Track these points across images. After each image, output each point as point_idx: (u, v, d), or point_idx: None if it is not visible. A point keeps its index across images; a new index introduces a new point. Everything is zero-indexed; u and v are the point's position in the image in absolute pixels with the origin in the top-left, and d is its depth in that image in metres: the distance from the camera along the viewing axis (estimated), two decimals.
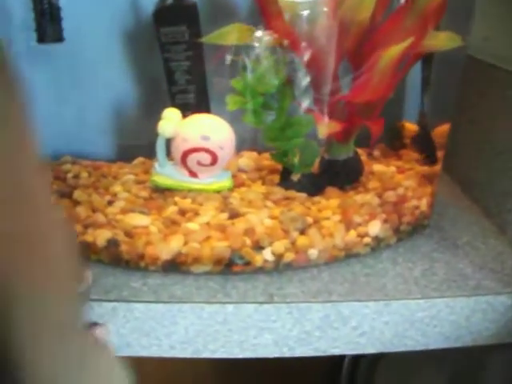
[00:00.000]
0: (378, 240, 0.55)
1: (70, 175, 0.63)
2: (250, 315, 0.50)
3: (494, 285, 0.54)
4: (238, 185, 0.61)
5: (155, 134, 0.57)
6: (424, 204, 0.59)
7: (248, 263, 0.51)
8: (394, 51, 0.49)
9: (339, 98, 0.54)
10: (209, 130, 0.56)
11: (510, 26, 0.65)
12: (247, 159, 0.66)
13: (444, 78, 0.61)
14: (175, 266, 0.52)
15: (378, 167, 0.64)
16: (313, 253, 0.52)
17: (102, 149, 0.70)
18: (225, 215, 0.54)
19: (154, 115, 0.66)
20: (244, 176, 0.63)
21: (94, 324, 0.49)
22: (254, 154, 0.68)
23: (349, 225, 0.53)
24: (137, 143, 0.71)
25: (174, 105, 0.63)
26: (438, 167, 0.60)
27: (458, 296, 0.52)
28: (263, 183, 0.62)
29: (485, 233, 0.62)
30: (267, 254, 0.51)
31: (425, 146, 0.64)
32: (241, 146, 0.70)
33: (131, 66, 0.68)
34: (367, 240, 0.54)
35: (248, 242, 0.51)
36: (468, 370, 0.71)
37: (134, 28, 0.67)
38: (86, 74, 0.67)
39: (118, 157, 0.70)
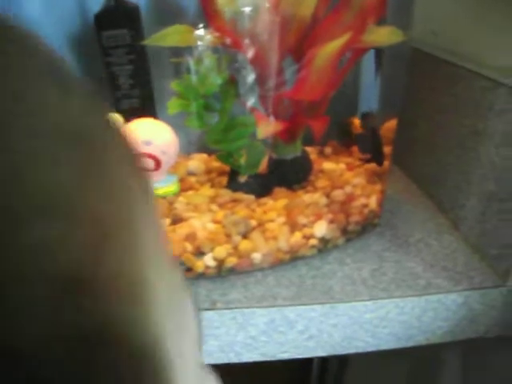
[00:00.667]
0: (324, 241, 0.54)
1: None
2: None
3: (445, 283, 0.52)
4: (185, 188, 0.59)
5: None
6: (373, 202, 0.57)
7: (189, 269, 0.50)
8: (330, 48, 0.47)
9: (280, 96, 0.52)
10: (150, 135, 0.55)
11: (458, 20, 0.63)
12: (197, 162, 0.64)
13: (391, 73, 0.59)
14: None
15: (327, 165, 0.62)
16: (256, 257, 0.50)
17: None
18: (167, 221, 0.53)
19: None
20: (193, 179, 0.62)
21: None
22: (204, 156, 0.66)
23: (294, 226, 0.52)
24: None
25: (119, 110, 0.61)
26: (386, 164, 0.59)
27: (407, 296, 0.51)
28: (212, 186, 0.60)
29: (439, 229, 0.61)
30: (208, 260, 0.50)
31: (369, 146, 0.62)
32: (191, 149, 0.69)
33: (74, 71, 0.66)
34: (313, 242, 0.53)
35: (189, 247, 0.50)
36: (427, 363, 0.71)
37: (78, 32, 0.65)
38: None
39: None
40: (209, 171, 0.63)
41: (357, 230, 0.57)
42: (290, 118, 0.53)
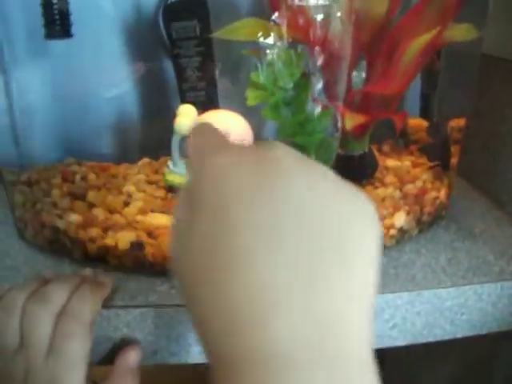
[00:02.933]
0: (402, 232, 0.54)
1: (78, 177, 0.60)
2: None
3: None
4: None
5: (158, 135, 0.56)
6: (443, 195, 0.58)
7: None
8: (420, 42, 0.47)
9: (364, 90, 0.53)
10: (228, 126, 0.55)
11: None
12: None
13: (456, 74, 0.61)
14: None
15: (391, 162, 0.63)
16: None
17: (104, 150, 0.68)
18: None
19: (157, 115, 0.64)
20: None
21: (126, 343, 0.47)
22: None
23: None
24: (140, 144, 0.69)
25: (185, 102, 0.61)
26: (454, 160, 0.60)
27: (485, 282, 0.52)
28: None
29: (498, 221, 0.62)
30: None
31: (439, 155, 0.63)
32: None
33: (134, 64, 0.66)
34: (393, 232, 0.53)
35: None
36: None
37: (136, 25, 0.64)
38: (88, 73, 0.64)
39: (121, 158, 0.68)
40: None
41: (428, 222, 0.57)
42: (366, 112, 0.54)
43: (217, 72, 0.61)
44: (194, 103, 0.60)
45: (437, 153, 0.63)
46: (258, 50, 0.54)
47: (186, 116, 0.55)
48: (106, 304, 0.46)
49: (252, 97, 0.53)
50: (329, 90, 0.54)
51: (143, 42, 0.65)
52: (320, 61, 0.53)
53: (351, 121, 0.51)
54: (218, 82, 0.63)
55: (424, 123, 0.65)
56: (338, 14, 0.52)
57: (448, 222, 0.61)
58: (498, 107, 0.65)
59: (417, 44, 0.48)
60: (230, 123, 0.55)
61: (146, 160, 0.65)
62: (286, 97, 0.54)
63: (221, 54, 0.61)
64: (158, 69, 0.65)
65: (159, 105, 0.68)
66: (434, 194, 0.57)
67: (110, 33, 0.65)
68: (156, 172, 0.62)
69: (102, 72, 0.65)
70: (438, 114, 0.66)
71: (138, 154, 0.67)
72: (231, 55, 0.60)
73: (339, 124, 0.55)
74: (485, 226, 0.61)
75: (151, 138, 0.66)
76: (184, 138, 0.55)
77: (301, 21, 0.53)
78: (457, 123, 0.62)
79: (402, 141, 0.68)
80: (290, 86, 0.54)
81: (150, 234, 0.50)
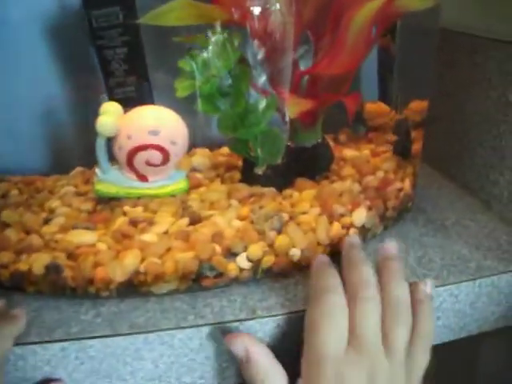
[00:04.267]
0: (364, 230, 0.46)
1: None
2: None
3: (495, 264, 0.46)
4: (194, 186, 0.50)
5: (93, 139, 0.47)
6: (407, 185, 0.50)
7: (220, 274, 0.41)
8: (366, 11, 0.39)
9: (309, 71, 0.45)
10: (157, 123, 0.46)
11: None
12: (200, 157, 0.55)
13: (414, 52, 0.53)
14: (133, 288, 0.41)
15: (349, 152, 0.55)
16: (295, 253, 0.42)
17: (33, 162, 0.58)
18: (185, 221, 0.44)
19: (90, 117, 0.55)
20: (199, 175, 0.53)
21: (48, 381, 0.39)
22: (207, 150, 0.58)
23: (331, 217, 0.44)
24: (73, 152, 0.60)
25: (113, 100, 0.52)
26: (418, 146, 0.52)
27: (461, 281, 0.44)
28: (222, 181, 0.52)
29: (471, 210, 0.54)
30: (242, 261, 0.41)
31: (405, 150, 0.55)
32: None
33: (59, 61, 0.57)
34: (353, 231, 0.45)
35: (217, 248, 0.41)
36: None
37: (60, 18, 0.55)
38: (7, 73, 0.55)
39: (53, 169, 0.58)
40: (215, 166, 0.55)
41: (393, 216, 0.49)
42: (314, 97, 0.45)
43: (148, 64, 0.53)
44: (122, 100, 0.51)
45: (399, 139, 0.55)
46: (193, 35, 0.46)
47: (109, 114, 0.46)
48: (20, 340, 0.37)
49: (181, 87, 0.45)
50: (272, 76, 0.46)
51: (69, 39, 0.56)
52: (261, 49, 0.45)
53: (296, 107, 0.43)
54: (152, 75, 0.54)
55: (384, 107, 0.57)
56: None
57: (415, 215, 0.53)
58: (461, 85, 0.57)
59: (364, 12, 0.40)
60: (161, 119, 0.46)
61: (79, 169, 0.56)
62: (222, 86, 0.46)
63: (152, 43, 0.53)
64: (88, 67, 0.56)
65: (93, 107, 0.59)
66: (397, 184, 0.49)
67: (33, 33, 0.55)
68: (87, 182, 0.53)
69: (25, 76, 0.56)
70: (397, 97, 0.58)
71: (72, 163, 0.58)
72: (165, 44, 0.51)
73: (287, 113, 0.47)
74: (456, 217, 0.53)
75: (85, 144, 0.57)
76: (110, 140, 0.46)
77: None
78: (418, 106, 0.55)
79: (364, 128, 0.60)
80: (225, 73, 0.45)
81: (70, 255, 0.41)
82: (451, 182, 0.60)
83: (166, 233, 0.43)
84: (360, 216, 0.45)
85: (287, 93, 0.43)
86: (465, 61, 0.56)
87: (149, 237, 0.42)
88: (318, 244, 0.43)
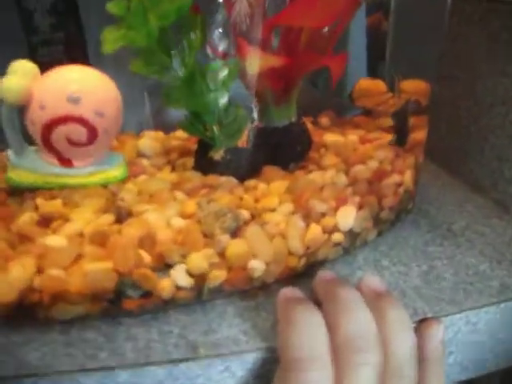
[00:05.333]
0: (352, 236, 0.33)
1: None
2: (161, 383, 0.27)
3: None
4: (136, 174, 0.38)
5: None
6: (408, 179, 0.37)
7: (148, 294, 0.28)
8: None
9: (276, 20, 0.32)
10: (78, 87, 0.33)
11: None
12: (149, 140, 0.43)
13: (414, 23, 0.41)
14: (24, 311, 0.28)
15: (331, 137, 0.42)
16: (256, 266, 0.29)
17: None
18: (109, 218, 0.31)
19: None
20: (146, 162, 0.40)
21: None
22: (160, 133, 0.45)
23: (308, 216, 0.31)
24: None
25: (37, 64, 0.39)
26: (422, 133, 0.39)
27: (481, 306, 0.32)
28: (173, 169, 0.39)
29: (483, 212, 0.42)
30: (180, 276, 0.28)
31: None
32: (139, 126, 0.47)
33: None
34: (338, 237, 0.32)
35: (146, 257, 0.28)
36: None
37: None
38: None
39: None
40: (167, 152, 0.42)
41: (390, 219, 0.37)
42: (291, 55, 0.33)
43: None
44: (48, 63, 0.38)
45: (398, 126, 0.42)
46: None
47: (18, 76, 0.33)
48: None
49: (110, 39, 0.32)
50: (234, 27, 0.34)
51: None
52: None
53: (259, 61, 0.30)
54: (88, 32, 0.41)
55: (381, 85, 0.44)
56: None
57: (416, 218, 0.40)
58: (469, 63, 0.45)
59: None
60: (83, 83, 0.33)
61: None
62: (166, 39, 0.33)
63: None
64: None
65: None
66: (395, 177, 0.36)
67: None
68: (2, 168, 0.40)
69: None
70: (392, 76, 0.46)
71: None
72: None
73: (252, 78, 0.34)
74: (466, 221, 0.41)
75: None
76: (18, 111, 0.33)
77: None
78: (420, 86, 0.42)
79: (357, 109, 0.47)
80: (170, 20, 0.33)
81: None
82: (457, 179, 0.47)
83: (79, 234, 0.30)
84: (347, 216, 0.32)
85: (250, 48, 0.31)
86: (474, 33, 0.44)
87: (54, 240, 0.29)
88: (290, 254, 0.30)
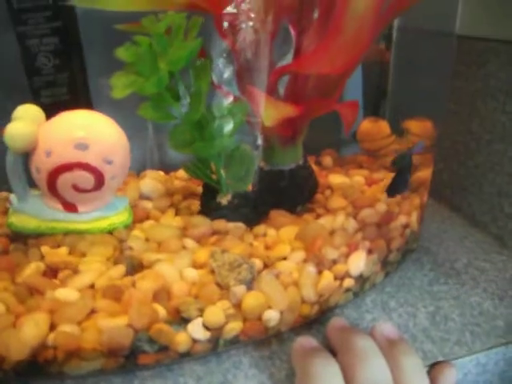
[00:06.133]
0: (361, 280, 0.33)
1: None
2: None
3: None
4: (140, 218, 0.37)
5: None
6: (414, 220, 0.37)
7: (165, 349, 0.27)
8: None
9: (288, 68, 0.31)
10: (86, 134, 0.32)
11: None
12: (151, 180, 0.42)
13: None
14: (37, 368, 0.27)
15: (336, 179, 0.42)
16: (272, 316, 0.29)
17: None
18: (120, 269, 0.30)
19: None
20: (148, 205, 0.40)
21: None
22: (161, 173, 0.44)
23: (320, 264, 0.31)
24: None
25: (40, 106, 0.38)
26: (428, 172, 0.39)
27: (489, 348, 0.32)
28: (177, 212, 0.39)
29: (483, 248, 0.42)
30: (197, 330, 0.27)
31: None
32: (139, 166, 0.47)
33: None
34: (349, 283, 0.32)
35: (161, 311, 0.28)
36: None
37: None
38: None
39: None
40: (170, 193, 0.41)
41: (397, 260, 0.37)
42: (302, 102, 0.33)
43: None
44: (51, 106, 0.38)
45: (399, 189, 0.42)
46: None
47: (24, 121, 0.32)
48: None
49: (120, 85, 0.32)
50: (242, 73, 0.33)
51: None
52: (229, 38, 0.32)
53: (274, 112, 0.30)
54: (91, 74, 0.41)
55: (385, 127, 0.44)
56: None
57: (419, 256, 0.40)
58: (467, 99, 0.46)
59: None
60: (91, 129, 0.33)
61: (3, 194, 0.42)
62: (175, 85, 0.33)
63: (93, 32, 0.39)
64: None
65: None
66: (402, 219, 0.36)
67: None
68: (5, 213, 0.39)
69: None
70: (396, 116, 0.46)
71: None
72: (107, 33, 0.38)
73: (260, 122, 0.34)
74: (468, 257, 0.41)
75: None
76: (23, 157, 0.33)
77: None
78: (424, 127, 0.42)
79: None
80: (180, 66, 0.32)
81: None
82: (456, 214, 0.47)
83: (91, 287, 0.29)
84: (358, 262, 0.32)
85: (261, 95, 0.31)
86: (473, 70, 0.45)
87: (65, 293, 0.28)
88: (303, 302, 0.30)
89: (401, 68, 0.45)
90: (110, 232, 0.35)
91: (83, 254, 0.33)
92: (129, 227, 0.36)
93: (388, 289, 0.36)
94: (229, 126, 0.33)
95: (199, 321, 0.27)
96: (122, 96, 0.32)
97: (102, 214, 0.35)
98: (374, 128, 0.42)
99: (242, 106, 0.34)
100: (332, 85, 0.33)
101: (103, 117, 0.34)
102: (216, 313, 0.27)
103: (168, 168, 0.45)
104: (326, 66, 0.31)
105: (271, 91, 0.33)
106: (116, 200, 0.36)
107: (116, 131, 0.34)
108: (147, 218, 0.38)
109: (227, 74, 0.34)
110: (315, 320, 0.31)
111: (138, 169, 0.45)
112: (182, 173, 0.45)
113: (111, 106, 0.35)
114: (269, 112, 0.29)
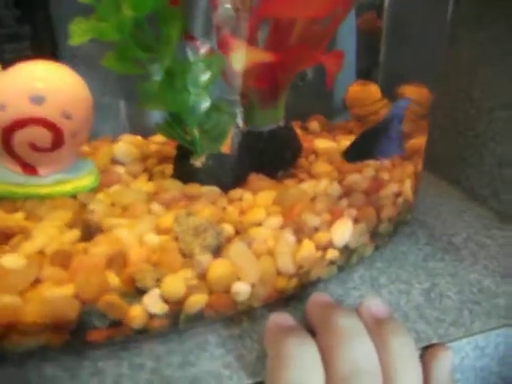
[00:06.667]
0: (348, 252, 0.29)
1: None
2: None
3: None
4: (109, 183, 0.33)
5: None
6: (408, 189, 0.33)
7: (117, 324, 0.24)
8: None
9: (264, 12, 0.28)
10: (43, 86, 0.28)
11: None
12: (125, 144, 0.38)
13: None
14: None
15: (322, 143, 0.38)
16: (242, 289, 0.25)
17: None
18: (74, 235, 0.27)
19: None
20: (121, 169, 0.36)
21: None
22: (138, 138, 0.41)
23: (300, 231, 0.27)
24: None
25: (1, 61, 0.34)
26: (422, 139, 0.35)
27: (491, 329, 0.28)
28: (150, 177, 0.35)
29: (483, 222, 0.38)
30: (153, 302, 0.23)
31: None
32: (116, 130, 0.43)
33: None
34: (333, 254, 0.28)
35: (114, 280, 0.24)
36: None
37: None
38: None
39: None
40: (144, 158, 0.37)
41: (388, 232, 0.33)
42: (280, 50, 0.29)
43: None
44: (11, 60, 0.34)
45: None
46: None
47: None
48: None
49: (78, 31, 0.28)
50: (218, 24, 0.29)
51: None
52: None
53: (245, 55, 0.26)
54: (58, 26, 0.36)
55: (376, 90, 0.40)
56: None
57: (414, 230, 0.36)
58: (467, 61, 0.42)
59: None
60: (47, 80, 0.29)
61: None
62: (141, 32, 0.29)
63: None
64: None
65: None
66: (394, 187, 0.32)
67: None
68: None
69: None
70: (388, 80, 0.42)
71: None
72: None
73: (236, 77, 0.30)
74: (467, 232, 0.37)
75: None
76: None
77: None
78: (418, 92, 0.38)
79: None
80: (145, 11, 0.28)
81: None
82: (454, 187, 0.43)
83: (40, 253, 0.26)
84: (343, 231, 0.28)
85: (236, 41, 0.27)
86: (471, 33, 0.41)
87: (10, 259, 0.25)
88: (279, 274, 0.26)
89: (394, 32, 0.41)
90: (74, 197, 0.31)
91: (41, 219, 0.29)
92: (94, 192, 0.32)
93: (378, 264, 0.32)
94: (204, 77, 0.29)
95: (156, 292, 0.23)
96: (79, 42, 0.28)
97: (64, 177, 0.31)
98: (364, 92, 0.38)
99: (219, 57, 0.30)
100: (316, 36, 0.29)
101: (62, 67, 0.30)
102: (176, 283, 0.23)
103: (150, 133, 0.42)
104: (304, 9, 0.27)
105: (251, 39, 0.29)
106: (80, 162, 0.32)
107: (76, 82, 0.30)
108: (118, 182, 0.34)
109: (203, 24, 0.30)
110: (293, 296, 0.27)
111: (115, 134, 0.41)
112: (160, 137, 0.41)
113: (82, 63, 0.31)
114: (238, 55, 0.25)
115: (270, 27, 0.29)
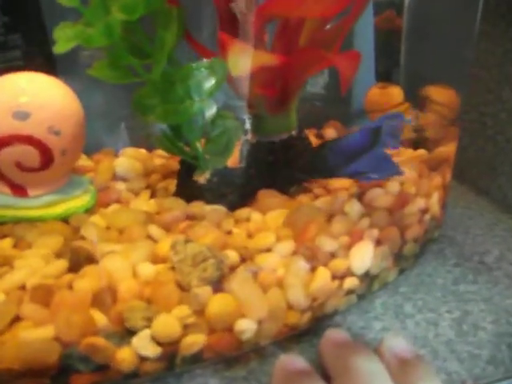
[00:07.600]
0: (368, 279, 0.26)
1: None
2: None
3: None
4: (107, 202, 0.30)
5: None
6: (435, 203, 0.29)
7: (104, 368, 0.21)
8: None
9: (264, 8, 0.24)
10: (26, 99, 0.25)
11: None
12: (128, 159, 0.35)
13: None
14: None
15: None
16: (246, 327, 0.22)
17: None
18: (60, 266, 0.23)
19: None
20: (122, 186, 0.33)
21: None
22: (141, 151, 0.38)
23: (313, 258, 0.24)
24: None
25: None
26: (451, 148, 0.31)
27: None
28: (153, 195, 0.31)
29: None
30: (144, 344, 0.20)
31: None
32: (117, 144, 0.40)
33: None
34: (352, 282, 0.24)
35: (101, 320, 0.21)
36: None
37: None
38: None
39: None
40: (148, 173, 0.34)
41: (414, 253, 0.29)
42: (289, 53, 0.25)
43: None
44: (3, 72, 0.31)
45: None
46: None
47: None
48: None
49: (63, 37, 0.24)
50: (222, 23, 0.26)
51: None
52: None
53: (244, 59, 0.22)
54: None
55: (398, 93, 0.36)
56: None
57: (442, 247, 0.32)
58: (495, 63, 0.38)
59: None
60: (32, 94, 0.25)
61: None
62: (134, 37, 0.26)
63: None
64: None
65: None
66: (420, 202, 0.28)
67: None
68: None
69: None
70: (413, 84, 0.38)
71: None
72: None
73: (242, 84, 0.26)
74: (500, 249, 0.32)
75: None
76: None
77: None
78: (448, 95, 0.34)
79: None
80: (137, 13, 0.25)
81: None
82: (484, 198, 0.39)
83: (21, 288, 0.22)
84: (363, 256, 0.24)
85: (234, 41, 0.23)
86: (501, 29, 0.36)
87: None
88: (290, 308, 0.22)
89: (415, 30, 0.37)
90: (66, 219, 0.28)
91: (31, 246, 0.26)
92: (90, 213, 0.29)
93: (403, 289, 0.28)
94: (209, 84, 0.26)
95: (147, 333, 0.20)
96: (64, 50, 0.24)
97: (56, 198, 0.28)
98: (384, 95, 0.34)
99: (220, 62, 0.26)
100: (328, 37, 0.26)
101: (49, 79, 0.27)
102: (170, 322, 0.20)
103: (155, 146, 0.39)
104: (313, 7, 0.23)
105: (258, 43, 0.26)
106: (75, 180, 0.29)
107: (65, 94, 0.27)
108: (117, 201, 0.31)
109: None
110: (307, 330, 0.24)
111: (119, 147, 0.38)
112: None
113: (80, 74, 0.28)
114: (235, 58, 0.22)
115: (277, 28, 0.26)
